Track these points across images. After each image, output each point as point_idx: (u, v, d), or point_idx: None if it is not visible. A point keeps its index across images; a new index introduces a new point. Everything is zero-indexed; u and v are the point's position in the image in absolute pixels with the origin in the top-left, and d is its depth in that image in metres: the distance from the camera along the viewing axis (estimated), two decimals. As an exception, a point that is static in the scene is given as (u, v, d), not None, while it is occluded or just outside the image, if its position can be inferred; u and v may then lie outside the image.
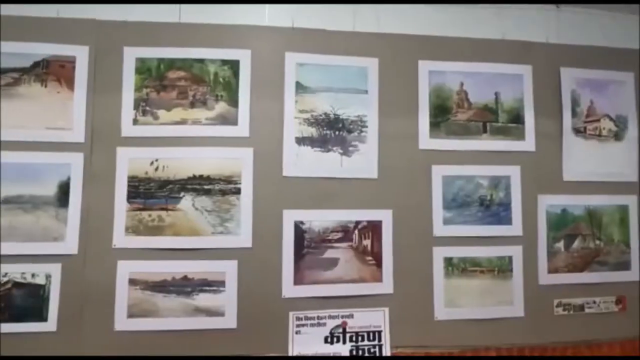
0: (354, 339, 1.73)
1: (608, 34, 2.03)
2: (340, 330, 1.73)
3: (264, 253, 1.70)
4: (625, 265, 1.96)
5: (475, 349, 1.79)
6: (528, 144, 1.90)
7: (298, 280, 1.71)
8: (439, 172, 1.83)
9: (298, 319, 1.70)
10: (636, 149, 2.00)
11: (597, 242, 1.94)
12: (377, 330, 1.75)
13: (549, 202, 1.90)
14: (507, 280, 1.84)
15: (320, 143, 1.77)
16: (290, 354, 1.68)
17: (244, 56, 1.76)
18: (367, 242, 1.77)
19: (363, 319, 1.74)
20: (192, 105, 1.73)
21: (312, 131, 1.77)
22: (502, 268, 1.84)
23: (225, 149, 1.72)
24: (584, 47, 2.00)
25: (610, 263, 1.95)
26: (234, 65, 1.76)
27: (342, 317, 1.73)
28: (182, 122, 1.71)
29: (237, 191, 1.71)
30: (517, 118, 1.90)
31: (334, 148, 1.78)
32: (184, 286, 1.66)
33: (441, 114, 1.86)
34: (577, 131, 1.96)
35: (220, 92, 1.75)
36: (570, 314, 1.89)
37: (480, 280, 1.83)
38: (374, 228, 1.78)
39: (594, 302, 1.92)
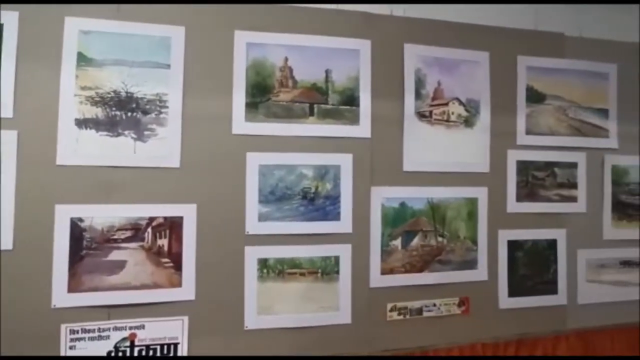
0: (144, 353, 1.50)
1: (461, 8, 1.82)
2: (128, 343, 1.50)
3: (29, 256, 1.41)
4: (471, 264, 1.78)
5: (293, 360, 1.62)
6: (363, 129, 1.67)
7: (74, 287, 1.44)
8: (255, 161, 1.58)
9: (72, 332, 1.44)
10: (488, 137, 1.83)
11: (440, 239, 1.75)
12: (173, 342, 1.52)
13: (385, 195, 1.69)
14: (333, 283, 1.63)
15: (108, 126, 1.49)
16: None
17: (10, 19, 1.45)
18: (163, 242, 1.52)
19: (156, 330, 1.50)
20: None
21: (96, 112, 1.48)
22: (326, 270, 1.63)
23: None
24: (433, 22, 1.77)
25: (455, 262, 1.77)
26: (-4, 30, 1.45)
27: (131, 328, 1.49)
28: None
29: (-3, 182, 1.42)
30: (351, 99, 1.67)
31: (126, 132, 1.50)
32: None
33: (260, 93, 1.61)
34: (422, 116, 1.75)
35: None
36: (406, 319, 1.71)
37: (300, 283, 1.61)
38: (173, 225, 1.53)
39: (434, 305, 1.75)
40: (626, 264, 1.99)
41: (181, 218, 1.54)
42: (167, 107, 1.54)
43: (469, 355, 1.74)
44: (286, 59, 1.64)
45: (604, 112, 1.97)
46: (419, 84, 1.75)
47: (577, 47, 1.94)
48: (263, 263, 1.59)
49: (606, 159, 1.96)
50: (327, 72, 1.66)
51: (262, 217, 1.59)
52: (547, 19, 1.92)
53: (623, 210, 1.98)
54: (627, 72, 1.99)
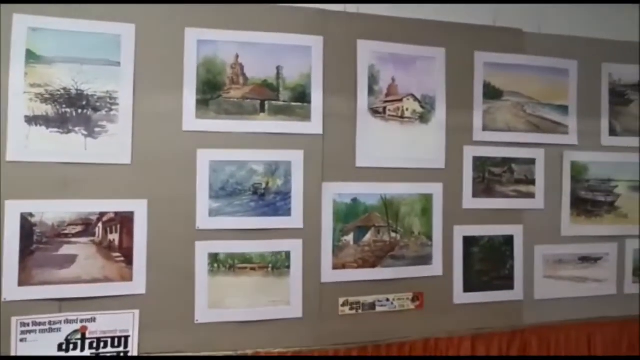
0: (95, 345, 1.53)
1: (418, 4, 1.80)
2: (79, 336, 1.52)
3: (-21, 250, 1.47)
4: (425, 260, 1.79)
5: (244, 353, 1.63)
6: (314, 125, 1.68)
7: (24, 280, 1.47)
8: (205, 157, 1.60)
9: (23, 324, 1.47)
10: (444, 133, 1.83)
11: (394, 234, 1.76)
12: (124, 335, 1.55)
13: (337, 191, 1.70)
14: (284, 278, 1.65)
15: (59, 123, 1.51)
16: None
17: (-40, 18, 1.50)
18: (114, 237, 1.55)
19: (107, 323, 1.53)
20: None
21: (47, 109, 1.50)
22: (277, 265, 1.65)
23: None
24: (387, 18, 1.77)
25: (409, 257, 1.78)
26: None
27: (82, 321, 1.51)
28: None
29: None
30: (302, 96, 1.68)
31: (76, 129, 1.52)
32: None
33: (211, 90, 1.62)
34: (375, 112, 1.76)
35: None
36: (359, 314, 1.73)
37: (251, 278, 1.63)
38: (124, 220, 1.55)
39: (387, 300, 1.76)
40: (585, 260, 1.99)
41: (132, 213, 1.56)
42: (117, 104, 1.56)
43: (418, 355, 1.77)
44: (237, 56, 1.65)
45: (563, 109, 1.97)
46: (373, 80, 1.76)
47: (536, 43, 1.93)
48: (214, 258, 1.61)
49: (565, 155, 1.96)
50: (278, 68, 1.67)
51: (213, 213, 1.62)
52: (506, 15, 1.91)
53: (582, 206, 1.98)
54: (588, 68, 1.98)
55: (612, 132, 2.02)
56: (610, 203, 2.01)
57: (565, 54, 1.96)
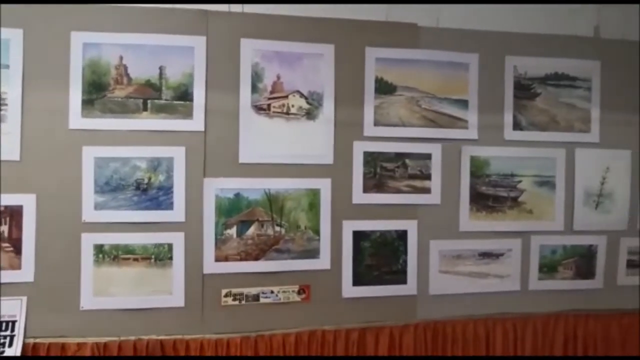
0: (-16, 328, 1.68)
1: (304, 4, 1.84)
2: (-30, 319, 1.67)
3: None
4: (313, 253, 1.83)
5: (127, 339, 1.70)
6: (196, 123, 1.74)
7: None
8: (90, 154, 1.69)
9: None
10: (332, 129, 1.85)
11: (278, 228, 1.81)
12: (12, 320, 1.67)
13: (219, 186, 1.76)
14: (167, 268, 1.73)
15: (-48, 122, 1.67)
16: None
17: None
18: (3, 228, 1.66)
19: (-3, 308, 1.68)
20: None
21: (-59, 110, 1.66)
22: (160, 256, 1.73)
23: None
24: (273, 17, 1.80)
25: (294, 251, 1.81)
26: None
27: (-27, 306, 1.68)
28: None
29: None
30: (185, 95, 1.74)
31: (-32, 128, 1.68)
32: None
33: (96, 90, 1.70)
34: (259, 109, 1.79)
35: None
36: (242, 305, 1.78)
37: (134, 268, 1.71)
38: (13, 213, 1.66)
39: (272, 292, 1.81)
40: (486, 255, 1.97)
41: (21, 207, 1.68)
42: (6, 104, 1.66)
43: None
44: (121, 58, 1.72)
45: (463, 103, 1.94)
46: (257, 78, 1.80)
47: (433, 37, 1.91)
48: (99, 249, 1.71)
49: (464, 150, 1.93)
50: (161, 68, 1.74)
51: (98, 206, 1.71)
52: (401, 10, 1.91)
53: (483, 202, 1.96)
54: (490, 61, 1.95)
55: (517, 126, 1.98)
56: (513, 198, 1.98)
57: (465, 47, 1.94)
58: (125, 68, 1.73)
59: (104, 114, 1.72)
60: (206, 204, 1.76)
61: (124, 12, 1.73)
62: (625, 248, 2.05)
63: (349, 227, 1.86)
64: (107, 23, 1.72)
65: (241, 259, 1.79)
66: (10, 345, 1.65)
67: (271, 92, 1.81)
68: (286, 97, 1.82)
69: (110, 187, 1.72)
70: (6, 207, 1.67)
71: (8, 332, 1.66)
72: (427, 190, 1.91)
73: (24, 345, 1.64)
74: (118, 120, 1.72)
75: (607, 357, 2.01)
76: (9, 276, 1.66)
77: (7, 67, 1.67)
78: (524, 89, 1.98)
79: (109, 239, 1.71)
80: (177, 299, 1.74)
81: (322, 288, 1.84)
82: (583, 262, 2.03)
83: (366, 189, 1.87)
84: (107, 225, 1.71)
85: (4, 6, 1.65)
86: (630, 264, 2.07)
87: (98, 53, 1.71)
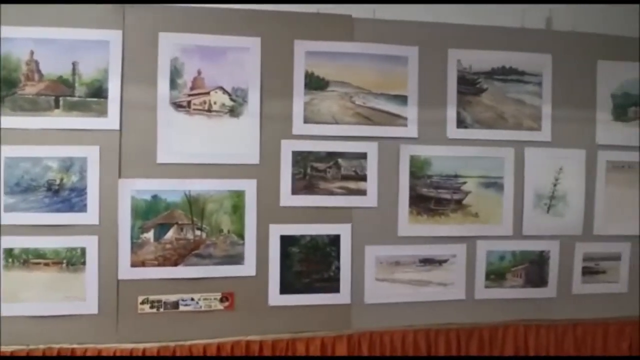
0: None
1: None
2: None
3: None
4: (237, 259, 1.73)
5: (36, 347, 1.62)
6: (111, 121, 1.66)
7: None
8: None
9: None
10: (257, 127, 1.75)
11: (199, 232, 1.71)
12: None
13: (135, 187, 1.67)
14: (79, 273, 1.65)
15: None
16: None
17: None
18: None
19: None
20: None
21: None
22: (72, 260, 1.64)
23: None
24: (193, 9, 1.70)
25: (217, 256, 1.71)
26: None
27: None
28: None
29: None
30: (99, 91, 1.66)
31: None
32: None
33: (6, 87, 1.62)
34: (178, 106, 1.70)
35: None
36: (160, 312, 1.69)
37: (45, 273, 1.63)
38: None
39: (192, 300, 1.72)
40: (427, 262, 1.85)
41: None
42: None
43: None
44: (32, 53, 1.65)
45: (401, 99, 1.82)
46: (176, 73, 1.70)
47: (368, 29, 1.80)
48: (8, 252, 1.63)
49: (402, 149, 1.81)
50: (74, 64, 1.66)
51: (8, 208, 1.63)
52: (334, 2, 1.80)
53: (423, 204, 1.83)
54: (432, 55, 1.83)
55: (461, 123, 1.85)
56: (457, 201, 1.85)
57: (404, 40, 1.82)
58: (37, 64, 1.65)
59: (14, 112, 1.63)
60: (121, 206, 1.67)
61: (36, 5, 1.67)
62: (580, 254, 1.91)
63: (276, 231, 1.75)
64: (18, 16, 1.65)
65: (159, 264, 1.70)
66: None
67: (191, 89, 1.71)
68: (207, 93, 1.72)
69: (21, 188, 1.64)
70: None
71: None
72: (362, 192, 1.80)
73: None
74: (29, 119, 1.63)
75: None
76: None
77: None
78: (469, 84, 1.85)
79: (19, 242, 1.63)
80: (90, 306, 1.65)
81: (247, 296, 1.74)
82: (534, 269, 1.89)
83: (295, 191, 1.77)
84: (17, 227, 1.62)
85: None
86: (587, 271, 1.93)
87: (8, 48, 1.63)
